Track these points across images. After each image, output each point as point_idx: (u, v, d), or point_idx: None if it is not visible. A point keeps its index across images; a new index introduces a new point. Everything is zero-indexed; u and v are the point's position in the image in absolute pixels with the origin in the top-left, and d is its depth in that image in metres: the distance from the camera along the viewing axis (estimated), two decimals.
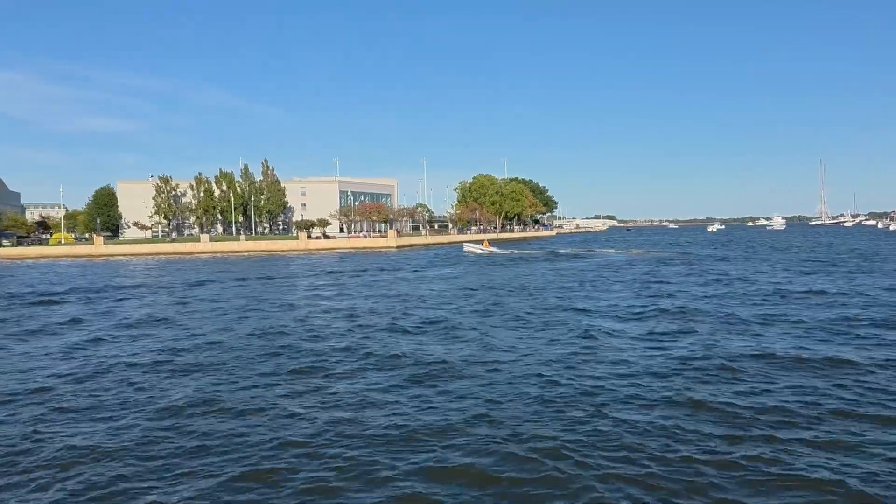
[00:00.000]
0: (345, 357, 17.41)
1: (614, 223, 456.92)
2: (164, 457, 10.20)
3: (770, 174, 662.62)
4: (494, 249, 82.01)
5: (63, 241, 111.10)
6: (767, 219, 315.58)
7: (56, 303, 33.58)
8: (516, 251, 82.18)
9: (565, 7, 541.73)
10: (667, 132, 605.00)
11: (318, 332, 21.89)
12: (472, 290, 35.44)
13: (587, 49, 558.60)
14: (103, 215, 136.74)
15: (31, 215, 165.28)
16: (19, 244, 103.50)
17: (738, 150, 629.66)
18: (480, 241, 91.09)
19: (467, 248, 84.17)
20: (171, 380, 15.21)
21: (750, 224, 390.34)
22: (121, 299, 34.79)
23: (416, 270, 52.92)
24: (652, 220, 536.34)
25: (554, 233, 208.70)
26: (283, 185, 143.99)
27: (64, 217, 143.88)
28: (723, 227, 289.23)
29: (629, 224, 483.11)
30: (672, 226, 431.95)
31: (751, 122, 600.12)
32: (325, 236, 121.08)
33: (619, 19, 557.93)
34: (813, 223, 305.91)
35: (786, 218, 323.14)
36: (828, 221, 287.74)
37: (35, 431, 11.50)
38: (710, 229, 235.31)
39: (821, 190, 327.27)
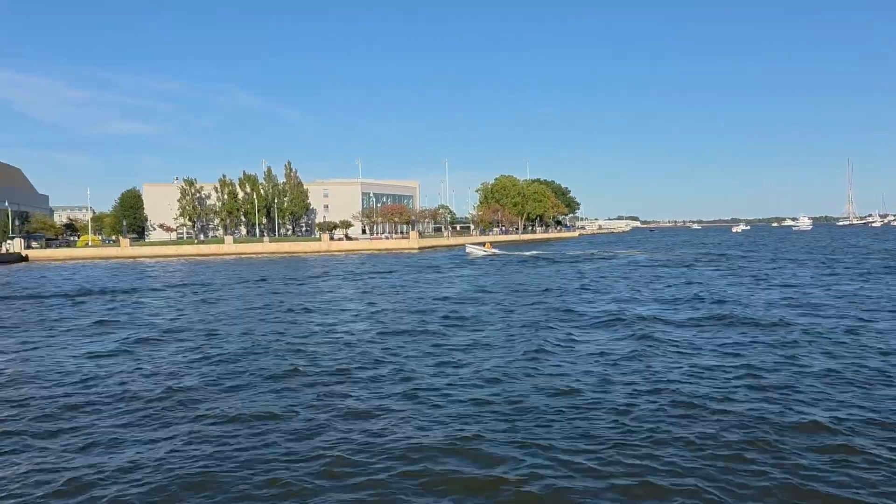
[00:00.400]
0: (363, 364, 17.41)
1: (637, 224, 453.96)
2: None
3: (796, 174, 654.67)
4: (496, 251, 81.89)
5: (90, 243, 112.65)
6: (793, 219, 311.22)
7: (85, 302, 34.07)
8: (525, 252, 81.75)
9: (586, 8, 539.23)
10: (691, 132, 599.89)
11: (340, 334, 21.96)
12: (487, 291, 35.32)
13: (611, 50, 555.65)
14: (129, 217, 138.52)
15: (60, 218, 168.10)
16: (48, 246, 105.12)
17: (764, 150, 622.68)
18: (482, 243, 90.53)
19: (469, 249, 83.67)
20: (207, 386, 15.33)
21: (775, 224, 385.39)
22: (150, 299, 35.22)
23: (440, 272, 52.91)
24: (676, 221, 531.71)
25: (576, 234, 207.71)
26: (305, 186, 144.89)
27: (91, 219, 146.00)
28: (748, 227, 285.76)
29: (652, 225, 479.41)
30: (695, 226, 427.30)
31: (777, 122, 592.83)
32: (348, 238, 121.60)
33: (642, 20, 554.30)
34: (840, 223, 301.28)
35: (812, 218, 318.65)
36: (856, 222, 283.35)
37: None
38: (734, 230, 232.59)
39: (848, 190, 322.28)
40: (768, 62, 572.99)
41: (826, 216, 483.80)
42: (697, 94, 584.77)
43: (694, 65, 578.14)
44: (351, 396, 13.61)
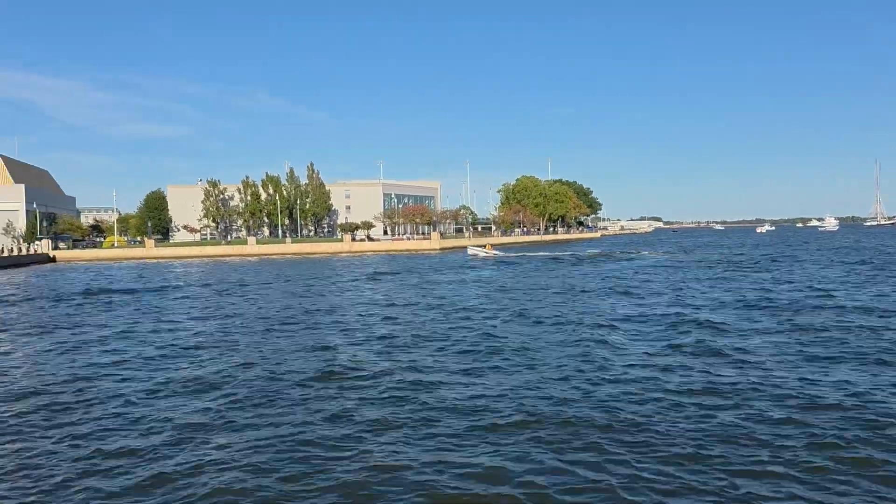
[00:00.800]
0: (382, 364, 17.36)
1: (660, 224, 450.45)
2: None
3: (822, 174, 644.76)
4: (497, 253, 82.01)
5: (116, 244, 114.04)
6: (819, 220, 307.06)
7: (114, 301, 34.45)
8: (528, 254, 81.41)
9: (607, 8, 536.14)
10: (715, 131, 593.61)
11: (362, 332, 21.97)
12: (504, 291, 35.15)
13: (633, 50, 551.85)
14: (154, 218, 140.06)
15: (86, 219, 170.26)
16: (75, 247, 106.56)
17: (790, 149, 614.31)
18: (483, 245, 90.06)
19: (471, 251, 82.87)
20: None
21: (800, 225, 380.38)
22: (183, 297, 35.54)
23: (462, 272, 52.80)
24: (699, 222, 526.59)
25: (598, 234, 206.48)
26: (327, 188, 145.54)
27: (117, 220, 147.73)
28: (773, 228, 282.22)
29: (675, 225, 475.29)
30: (718, 227, 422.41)
31: (802, 123, 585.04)
32: (370, 238, 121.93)
33: (662, 21, 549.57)
34: (868, 224, 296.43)
35: (838, 219, 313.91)
36: (884, 222, 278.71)
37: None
38: (759, 230, 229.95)
39: (876, 190, 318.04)
40: (798, 62, 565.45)
41: (853, 217, 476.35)
42: (723, 94, 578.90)
43: (721, 65, 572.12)
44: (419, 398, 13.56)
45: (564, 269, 55.04)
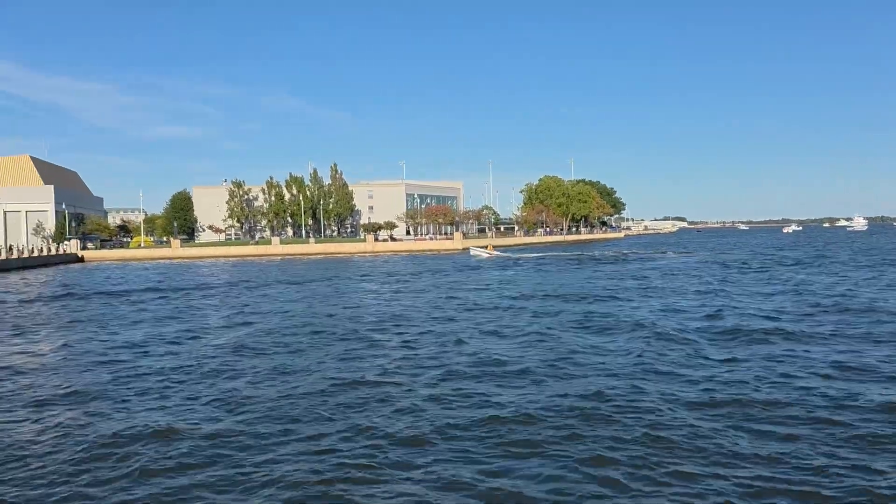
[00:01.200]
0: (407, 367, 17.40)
1: (684, 224, 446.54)
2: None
3: (850, 173, 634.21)
4: (498, 253, 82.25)
5: (143, 244, 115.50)
6: (848, 219, 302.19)
7: (144, 300, 34.95)
8: (526, 255, 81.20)
9: (627, 8, 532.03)
10: (740, 130, 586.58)
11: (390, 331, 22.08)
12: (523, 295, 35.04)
13: (655, 49, 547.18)
14: (180, 219, 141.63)
15: (113, 219, 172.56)
16: (102, 247, 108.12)
17: (816, 148, 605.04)
18: (485, 246, 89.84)
19: (474, 252, 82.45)
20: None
21: (827, 225, 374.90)
22: (225, 295, 35.97)
23: (486, 272, 52.78)
24: (724, 222, 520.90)
25: (622, 234, 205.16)
26: (350, 188, 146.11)
27: (143, 221, 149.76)
28: (800, 228, 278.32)
29: (700, 226, 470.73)
30: (742, 227, 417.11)
31: (831, 121, 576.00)
32: (392, 239, 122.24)
33: (685, 20, 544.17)
34: None
35: (867, 218, 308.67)
36: None
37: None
38: (785, 230, 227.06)
39: None
40: (828, 60, 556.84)
41: (882, 217, 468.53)
42: (748, 92, 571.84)
43: (748, 64, 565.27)
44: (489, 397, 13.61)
45: (565, 269, 54.81)
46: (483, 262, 70.41)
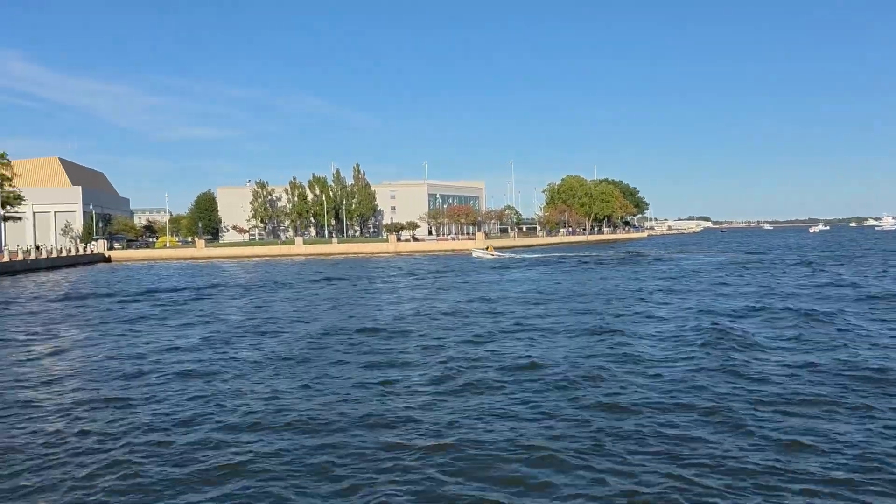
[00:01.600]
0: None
1: (709, 224, 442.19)
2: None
3: (877, 171, 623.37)
4: (499, 254, 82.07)
5: (168, 244, 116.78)
6: (876, 219, 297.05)
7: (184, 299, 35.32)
8: (526, 256, 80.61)
9: (650, 9, 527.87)
10: (765, 129, 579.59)
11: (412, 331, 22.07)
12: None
13: (678, 49, 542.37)
14: (204, 219, 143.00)
15: (139, 220, 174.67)
16: (129, 247, 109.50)
17: (843, 146, 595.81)
18: (486, 247, 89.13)
19: (476, 254, 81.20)
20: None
21: (853, 224, 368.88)
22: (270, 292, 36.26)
23: (510, 271, 52.61)
24: (749, 222, 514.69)
25: (645, 234, 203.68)
26: (373, 188, 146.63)
27: (168, 221, 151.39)
28: (827, 227, 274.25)
29: (724, 225, 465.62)
30: (766, 226, 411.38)
31: (858, 118, 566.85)
32: (415, 239, 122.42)
33: (709, 21, 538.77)
34: None
35: None
36: None
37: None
38: (812, 230, 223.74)
39: None
40: (853, 58, 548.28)
41: None
42: (773, 90, 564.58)
43: (771, 62, 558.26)
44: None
45: (570, 270, 54.42)
46: (484, 262, 70.17)
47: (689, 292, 33.25)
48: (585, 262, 64.62)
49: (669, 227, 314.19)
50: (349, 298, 34.61)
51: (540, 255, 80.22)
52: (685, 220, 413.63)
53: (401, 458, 10.00)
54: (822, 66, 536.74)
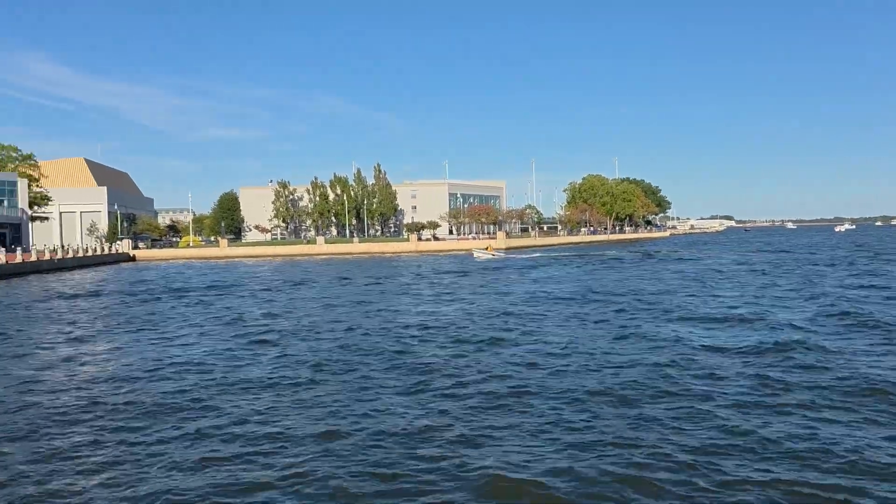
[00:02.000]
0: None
1: (732, 223, 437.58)
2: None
3: None
4: (500, 254, 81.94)
5: (191, 244, 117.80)
6: None
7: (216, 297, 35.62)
8: (521, 256, 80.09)
9: (673, 8, 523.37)
10: (789, 127, 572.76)
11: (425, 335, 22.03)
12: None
13: (700, 48, 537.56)
14: (227, 219, 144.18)
15: (163, 220, 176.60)
16: (153, 246, 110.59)
17: (869, 144, 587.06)
18: (486, 247, 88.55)
19: (476, 254, 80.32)
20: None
21: (879, 224, 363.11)
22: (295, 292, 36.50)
23: (537, 271, 52.45)
24: (773, 221, 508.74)
25: (667, 234, 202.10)
26: (394, 188, 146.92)
27: (192, 221, 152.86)
28: (853, 227, 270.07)
29: (748, 224, 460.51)
30: (790, 225, 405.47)
31: (880, 116, 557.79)
32: (435, 238, 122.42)
33: (729, 21, 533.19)
34: None
35: None
36: None
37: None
38: (838, 229, 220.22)
39: None
40: (879, 55, 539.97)
41: None
42: (798, 88, 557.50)
43: (794, 61, 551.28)
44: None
45: (574, 270, 54.05)
46: (484, 262, 69.78)
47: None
48: (640, 261, 64.55)
49: (692, 227, 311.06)
50: (382, 297, 34.68)
51: (570, 254, 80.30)
52: (707, 219, 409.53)
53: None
54: (833, 67, 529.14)
